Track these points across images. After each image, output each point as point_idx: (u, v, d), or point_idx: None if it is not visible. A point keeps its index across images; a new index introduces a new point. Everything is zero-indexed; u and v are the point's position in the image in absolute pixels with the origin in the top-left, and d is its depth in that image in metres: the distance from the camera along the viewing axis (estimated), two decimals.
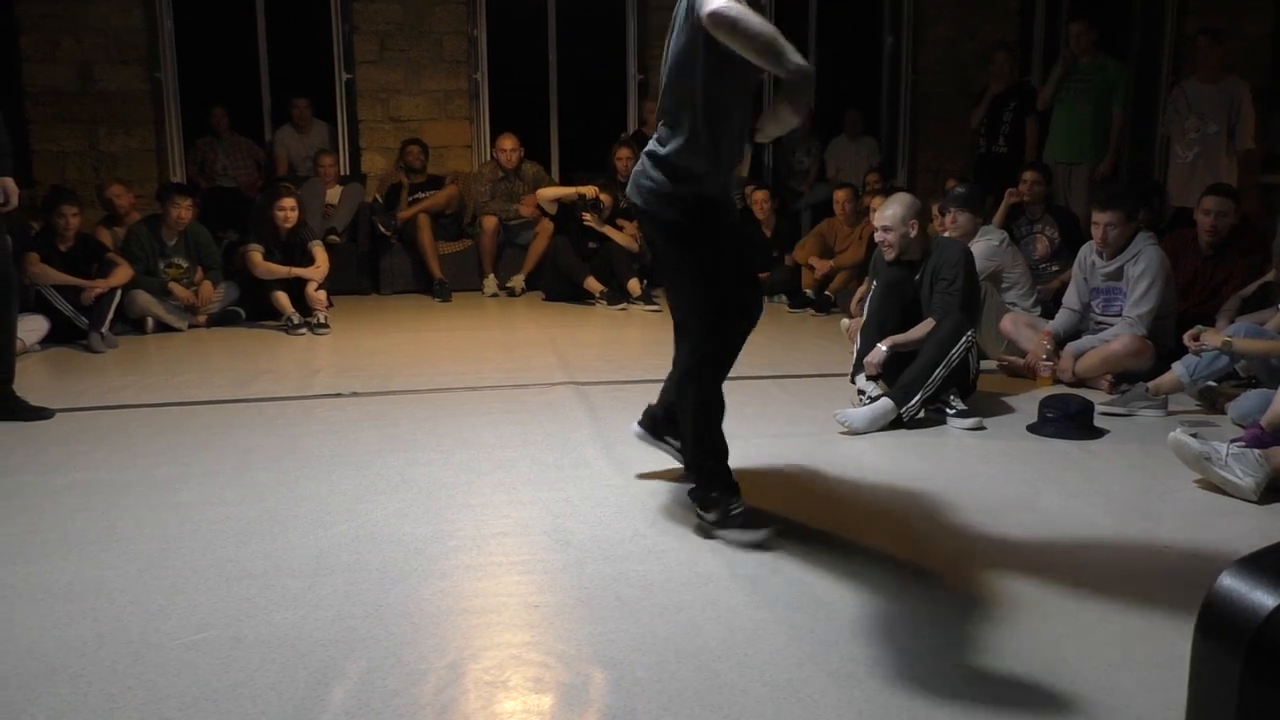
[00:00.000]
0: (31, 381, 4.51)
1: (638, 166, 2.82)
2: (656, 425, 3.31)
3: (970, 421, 3.94)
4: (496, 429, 3.93)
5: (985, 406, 4.16)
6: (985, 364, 4.58)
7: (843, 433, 3.82)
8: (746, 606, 2.38)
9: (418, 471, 3.42)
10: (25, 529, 2.91)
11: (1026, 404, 4.22)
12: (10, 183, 4.01)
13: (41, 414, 4.10)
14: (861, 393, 4.09)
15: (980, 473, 3.45)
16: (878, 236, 4.16)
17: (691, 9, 2.63)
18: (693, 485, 2.93)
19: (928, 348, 3.94)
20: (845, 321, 4.81)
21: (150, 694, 2.00)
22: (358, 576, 2.56)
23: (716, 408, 2.88)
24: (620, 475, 3.37)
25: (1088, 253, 4.74)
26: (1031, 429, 3.89)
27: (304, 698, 1.98)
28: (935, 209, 5.48)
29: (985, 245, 5.04)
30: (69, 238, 5.81)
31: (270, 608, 2.38)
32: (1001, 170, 6.76)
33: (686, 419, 2.94)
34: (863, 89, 9.17)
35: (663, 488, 3.24)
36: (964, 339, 3.96)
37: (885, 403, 3.88)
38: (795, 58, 2.52)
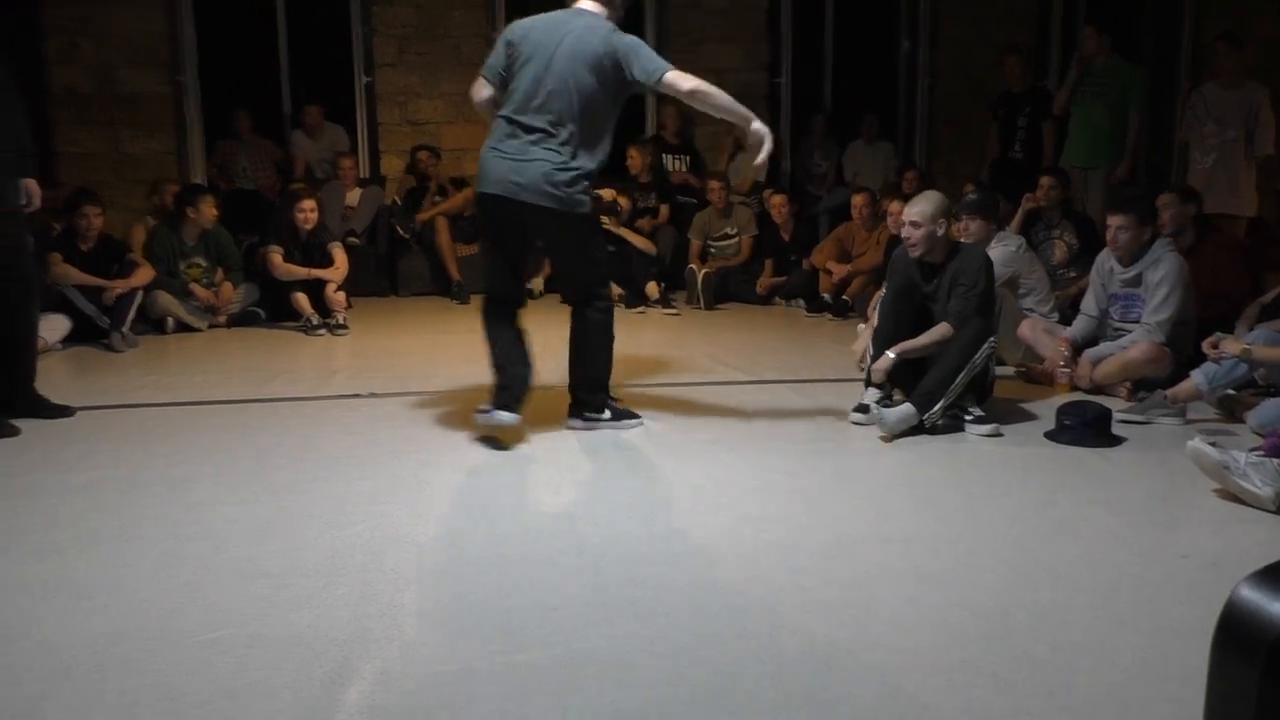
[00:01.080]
0: (53, 380, 4.54)
1: (545, 174, 3.60)
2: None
3: (988, 428, 3.92)
4: (512, 431, 3.93)
5: (1002, 413, 4.14)
6: (1002, 370, 4.56)
7: (880, 436, 3.80)
8: (762, 611, 2.38)
9: (433, 473, 3.43)
10: (43, 525, 2.93)
11: (1044, 411, 4.20)
12: (33, 184, 4.05)
13: (63, 412, 4.13)
14: (863, 409, 4.04)
15: (997, 479, 3.43)
16: (903, 232, 4.11)
17: (618, 65, 3.62)
18: (584, 404, 3.93)
19: (950, 353, 3.91)
20: (860, 327, 4.76)
21: (166, 691, 2.01)
22: (373, 577, 2.57)
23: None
24: (636, 477, 3.37)
25: (1106, 258, 4.71)
26: (1049, 436, 3.87)
27: (319, 697, 1.99)
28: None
29: (1002, 251, 5.01)
30: (90, 238, 5.86)
31: (286, 607, 2.39)
32: (1018, 175, 6.74)
33: (604, 355, 3.98)
34: (879, 93, 9.15)
35: (680, 490, 3.24)
36: (986, 345, 3.93)
37: (908, 408, 3.86)
38: (754, 116, 3.73)
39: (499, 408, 3.73)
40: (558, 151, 3.63)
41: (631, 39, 3.68)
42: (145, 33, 7.91)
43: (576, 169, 3.64)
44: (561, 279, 3.92)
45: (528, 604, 2.43)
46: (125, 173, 7.96)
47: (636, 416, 4.00)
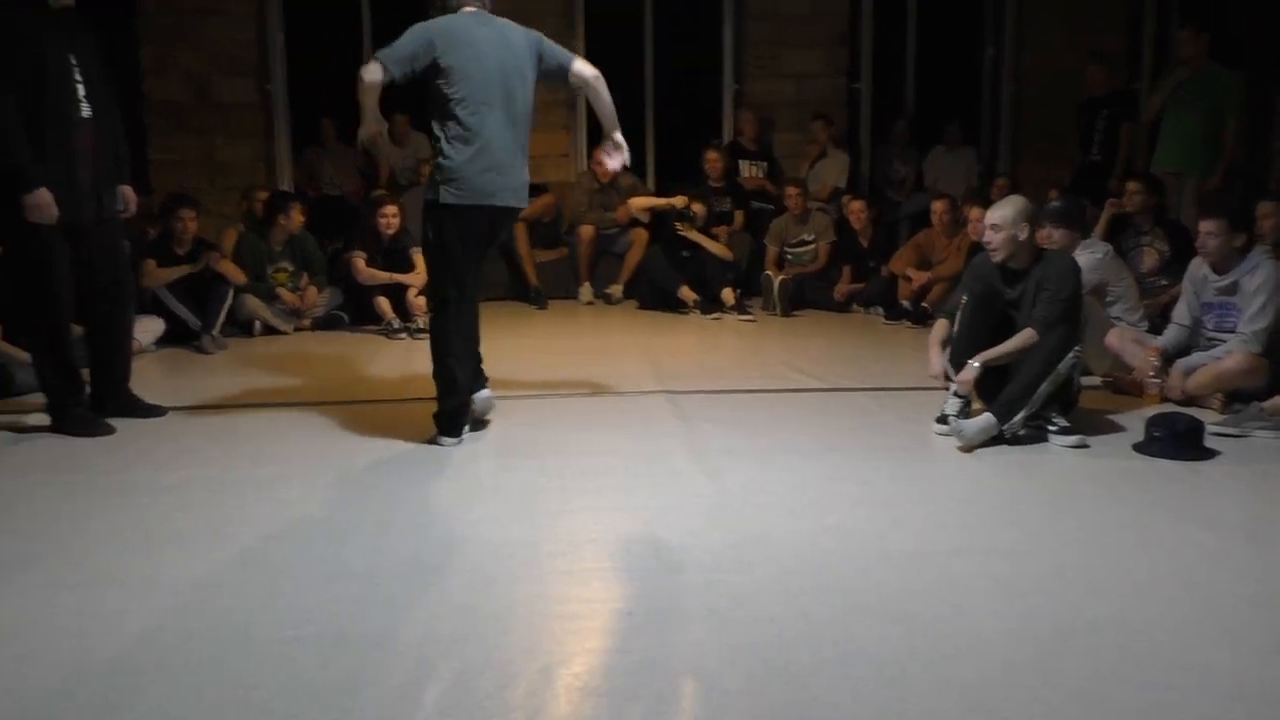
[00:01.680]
0: (146, 380, 4.68)
1: (519, 175, 3.78)
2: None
3: (1073, 439, 3.82)
4: (589, 436, 3.96)
5: (1088, 424, 4.04)
6: (1088, 380, 4.45)
7: (959, 448, 3.74)
8: (838, 620, 2.35)
9: (511, 476, 3.47)
10: (135, 523, 3.03)
11: (1132, 422, 4.09)
12: (130, 191, 4.19)
13: (155, 412, 4.26)
14: (944, 419, 3.97)
15: (1084, 492, 3.35)
16: (985, 237, 4.03)
17: (540, 57, 3.82)
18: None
19: (1033, 361, 3.82)
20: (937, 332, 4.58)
21: (252, 686, 2.06)
22: (452, 578, 2.61)
23: None
24: (712, 485, 3.36)
25: (1199, 266, 4.57)
26: (1137, 448, 3.77)
27: (399, 696, 2.02)
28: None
29: (1088, 258, 4.88)
30: (186, 241, 6.04)
31: (368, 606, 2.43)
32: (1098, 178, 6.58)
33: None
34: (962, 98, 9.02)
35: (755, 498, 3.23)
36: (1071, 353, 3.84)
37: (988, 418, 3.78)
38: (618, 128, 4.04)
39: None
40: (524, 150, 3.84)
41: (534, 32, 3.89)
42: (236, 42, 8.14)
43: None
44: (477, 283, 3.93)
45: (603, 608, 2.44)
46: (216, 179, 8.20)
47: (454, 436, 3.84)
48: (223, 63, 8.15)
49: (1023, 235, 3.94)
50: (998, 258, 3.99)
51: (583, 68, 3.87)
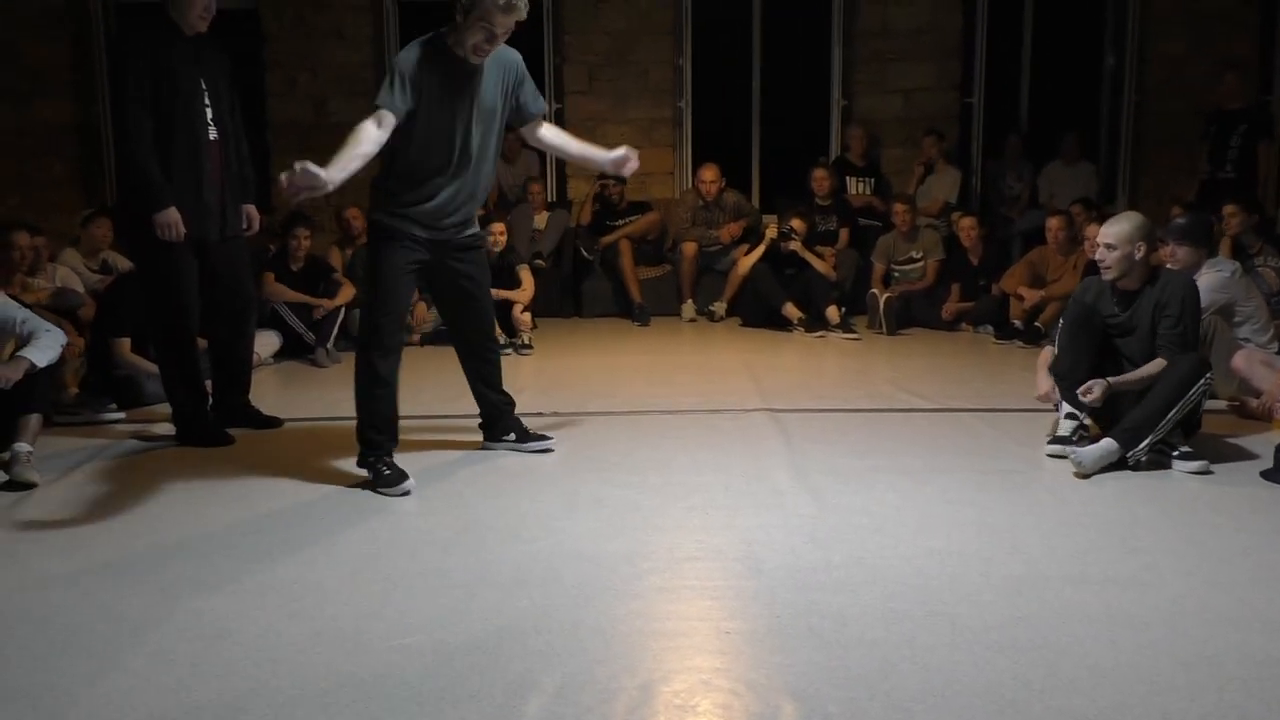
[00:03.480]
0: (264, 392, 4.85)
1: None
2: (492, 429, 4.02)
3: (1197, 464, 3.67)
4: (691, 453, 3.96)
5: (1213, 449, 3.87)
6: (1213, 404, 4.26)
7: (1075, 474, 3.63)
8: (944, 646, 2.30)
9: (612, 492, 3.49)
10: (254, 529, 3.14)
11: (1261, 448, 3.90)
12: (253, 210, 4.36)
13: (273, 423, 4.41)
14: (1061, 439, 3.84)
15: (1207, 520, 3.21)
16: (1098, 254, 3.90)
17: (520, 105, 3.64)
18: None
19: (1162, 388, 3.67)
20: (1045, 355, 4.43)
21: (360, 692, 2.12)
22: (554, 591, 2.63)
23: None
24: (814, 504, 3.32)
25: None
26: (1266, 476, 3.59)
27: (501, 707, 2.05)
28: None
29: (1215, 277, 4.68)
30: (300, 258, 6.25)
31: (472, 617, 2.48)
32: (1229, 196, 6.30)
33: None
34: (1081, 112, 8.77)
35: (858, 519, 3.18)
36: (1202, 381, 3.68)
37: (1109, 443, 3.65)
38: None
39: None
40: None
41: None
42: (355, 64, 8.41)
43: None
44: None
45: (704, 627, 2.44)
46: (331, 198, 8.42)
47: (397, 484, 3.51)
48: (342, 84, 8.42)
49: (1139, 254, 3.81)
50: (1110, 276, 3.86)
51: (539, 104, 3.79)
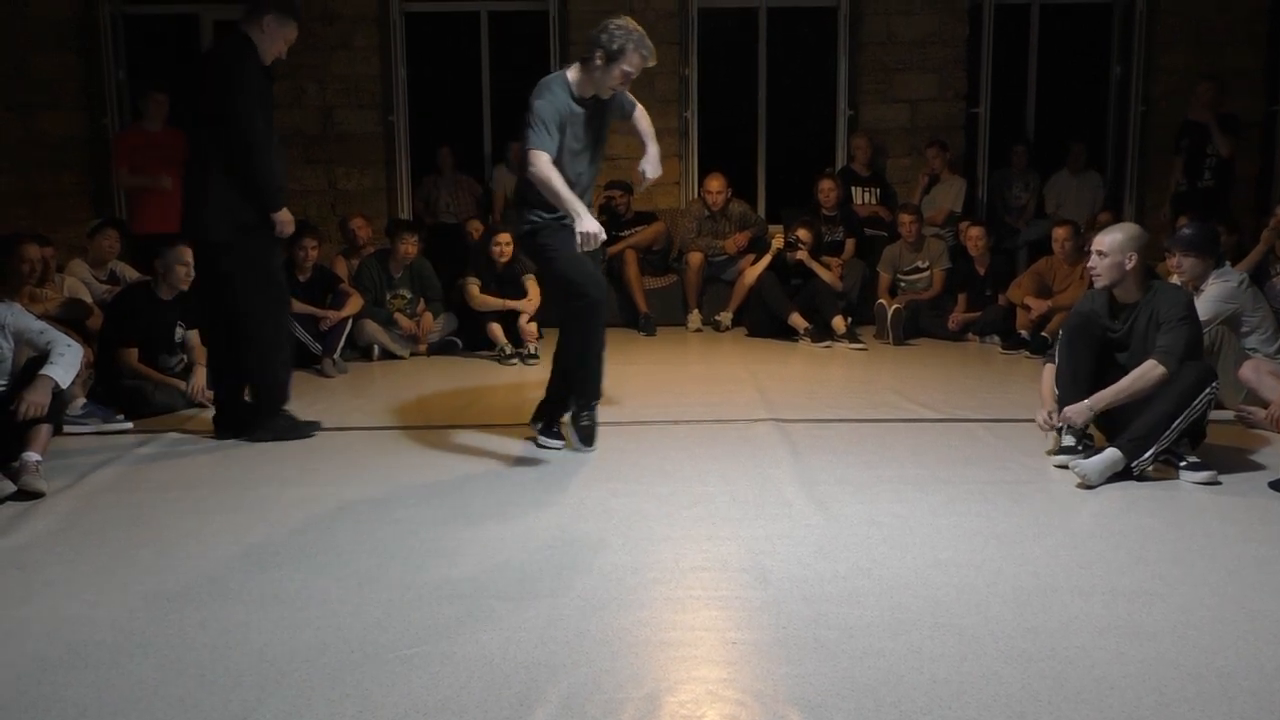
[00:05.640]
0: None
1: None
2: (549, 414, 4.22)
3: (1204, 475, 3.66)
4: (697, 463, 3.95)
5: (1220, 459, 3.86)
6: (1220, 414, 4.25)
7: (1079, 485, 3.62)
8: (952, 657, 2.29)
9: (619, 502, 3.49)
10: (263, 539, 3.14)
11: (1269, 458, 3.89)
12: (286, 214, 4.37)
13: (307, 431, 4.45)
14: (1067, 449, 3.82)
15: (1216, 531, 3.20)
16: (1090, 263, 3.91)
17: (625, 112, 4.21)
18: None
19: (1167, 398, 3.66)
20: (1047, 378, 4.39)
21: (365, 703, 2.11)
22: (560, 602, 2.63)
23: None
24: (820, 515, 3.32)
25: None
26: (1274, 486, 3.58)
27: (506, 717, 2.04)
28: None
29: (1221, 287, 4.68)
30: (307, 269, 6.27)
31: (478, 628, 2.47)
32: (1208, 206, 6.30)
33: None
34: (1087, 122, 8.77)
35: (865, 529, 3.18)
36: (1207, 390, 3.67)
37: (1113, 453, 3.64)
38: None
39: None
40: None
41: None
42: (363, 75, 8.44)
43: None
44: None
45: (710, 637, 2.43)
46: (339, 208, 8.49)
47: None
48: (350, 95, 8.45)
49: (1130, 264, 3.80)
50: (1100, 284, 3.87)
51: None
